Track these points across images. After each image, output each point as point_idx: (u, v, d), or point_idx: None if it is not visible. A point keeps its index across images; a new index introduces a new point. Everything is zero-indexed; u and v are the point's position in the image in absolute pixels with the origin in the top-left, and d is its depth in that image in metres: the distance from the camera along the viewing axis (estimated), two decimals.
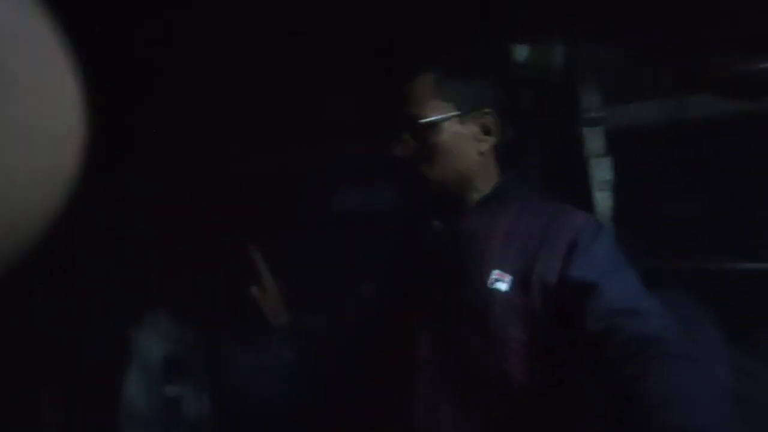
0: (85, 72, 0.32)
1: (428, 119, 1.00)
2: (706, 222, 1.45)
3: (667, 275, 1.41)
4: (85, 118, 0.31)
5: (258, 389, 1.76)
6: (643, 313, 0.85)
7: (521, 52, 1.20)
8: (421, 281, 1.05)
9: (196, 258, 1.84)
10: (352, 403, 1.17)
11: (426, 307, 1.03)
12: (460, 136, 1.02)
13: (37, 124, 0.28)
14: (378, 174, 1.63)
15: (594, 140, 1.27)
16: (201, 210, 1.78)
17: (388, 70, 1.20)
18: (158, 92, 1.36)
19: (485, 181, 1.06)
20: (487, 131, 1.03)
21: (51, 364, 1.84)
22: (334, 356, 1.25)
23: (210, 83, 1.37)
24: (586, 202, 1.26)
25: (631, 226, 1.33)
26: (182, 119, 1.53)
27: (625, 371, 0.78)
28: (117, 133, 1.32)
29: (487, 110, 1.03)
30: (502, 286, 0.95)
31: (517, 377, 0.93)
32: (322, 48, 1.28)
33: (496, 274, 0.96)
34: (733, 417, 0.76)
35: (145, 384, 1.68)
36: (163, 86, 1.35)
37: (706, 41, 1.14)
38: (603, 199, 1.27)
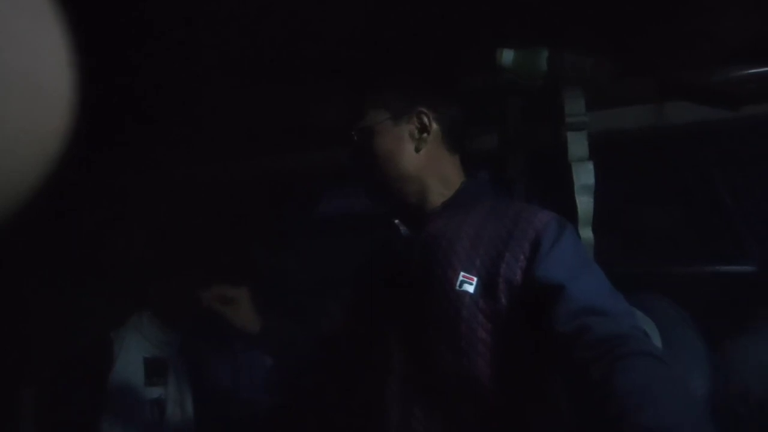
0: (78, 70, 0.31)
1: (359, 126, 1.08)
2: (685, 226, 1.47)
3: (646, 279, 1.43)
4: (75, 78, 0.31)
5: (239, 392, 1.75)
6: (611, 313, 0.86)
7: (506, 57, 1.20)
8: (391, 286, 1.06)
9: (180, 260, 1.82)
10: (326, 407, 1.17)
11: (396, 311, 1.03)
12: (395, 137, 1.08)
13: (26, 79, 0.27)
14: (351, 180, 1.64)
15: (577, 145, 1.28)
16: (186, 213, 1.77)
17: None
18: (146, 96, 1.36)
19: (446, 184, 1.09)
20: (422, 128, 1.08)
21: (32, 364, 1.82)
22: (308, 361, 1.25)
23: (198, 87, 1.37)
24: (568, 207, 1.26)
25: (612, 231, 1.34)
26: (170, 123, 1.52)
27: (595, 372, 0.78)
28: (105, 136, 1.31)
29: (421, 109, 1.08)
30: (470, 288, 0.95)
31: (485, 379, 0.93)
32: (308, 55, 1.29)
33: (463, 276, 0.96)
34: (703, 415, 0.76)
35: (126, 386, 1.66)
36: (152, 89, 1.35)
37: (687, 50, 1.16)
38: (584, 204, 1.28)
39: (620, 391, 0.74)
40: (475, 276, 0.96)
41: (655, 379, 0.76)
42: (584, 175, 1.27)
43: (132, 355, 1.68)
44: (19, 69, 0.27)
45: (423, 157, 1.08)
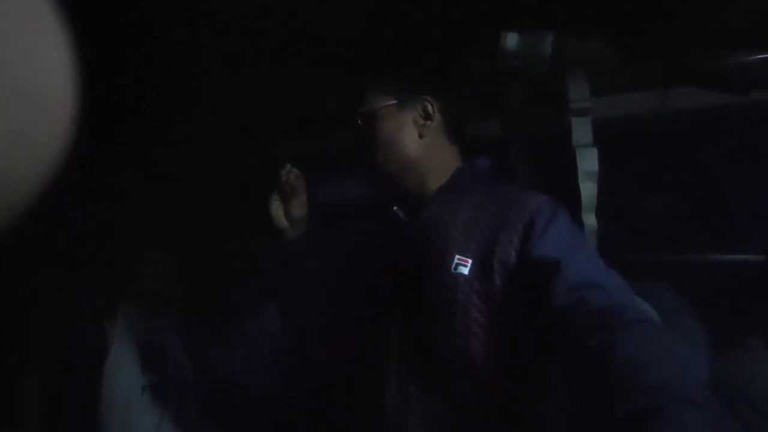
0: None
1: (365, 109, 1.11)
2: (689, 215, 1.46)
3: (649, 267, 1.42)
4: (76, 82, 0.31)
5: (238, 378, 1.76)
6: (605, 285, 0.88)
7: (510, 41, 1.20)
8: (389, 271, 1.08)
9: (178, 250, 1.82)
10: (325, 389, 1.18)
11: (394, 296, 1.06)
12: (399, 122, 1.10)
13: (27, 85, 0.27)
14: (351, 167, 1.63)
15: (581, 130, 1.28)
16: (184, 205, 1.77)
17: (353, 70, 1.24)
18: (146, 96, 1.36)
19: (445, 172, 1.12)
20: (426, 116, 1.11)
21: (29, 355, 1.82)
22: (308, 345, 1.26)
23: (198, 86, 1.37)
24: (571, 193, 1.26)
25: (615, 218, 1.34)
26: (169, 123, 1.52)
27: (594, 341, 0.80)
28: (105, 135, 1.31)
29: (426, 97, 1.11)
30: (464, 270, 0.98)
31: (480, 359, 0.96)
32: (306, 45, 1.29)
33: (458, 258, 0.99)
34: (701, 379, 0.77)
35: (121, 372, 1.67)
36: (152, 89, 1.35)
37: (694, 34, 1.15)
38: (588, 190, 1.28)
39: (619, 356, 0.75)
40: (470, 258, 0.99)
41: (654, 344, 0.78)
42: (588, 161, 1.27)
43: (125, 343, 1.69)
44: (20, 74, 0.27)
45: (425, 144, 1.11)
